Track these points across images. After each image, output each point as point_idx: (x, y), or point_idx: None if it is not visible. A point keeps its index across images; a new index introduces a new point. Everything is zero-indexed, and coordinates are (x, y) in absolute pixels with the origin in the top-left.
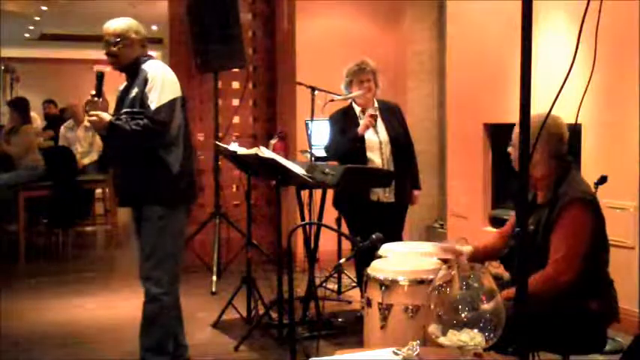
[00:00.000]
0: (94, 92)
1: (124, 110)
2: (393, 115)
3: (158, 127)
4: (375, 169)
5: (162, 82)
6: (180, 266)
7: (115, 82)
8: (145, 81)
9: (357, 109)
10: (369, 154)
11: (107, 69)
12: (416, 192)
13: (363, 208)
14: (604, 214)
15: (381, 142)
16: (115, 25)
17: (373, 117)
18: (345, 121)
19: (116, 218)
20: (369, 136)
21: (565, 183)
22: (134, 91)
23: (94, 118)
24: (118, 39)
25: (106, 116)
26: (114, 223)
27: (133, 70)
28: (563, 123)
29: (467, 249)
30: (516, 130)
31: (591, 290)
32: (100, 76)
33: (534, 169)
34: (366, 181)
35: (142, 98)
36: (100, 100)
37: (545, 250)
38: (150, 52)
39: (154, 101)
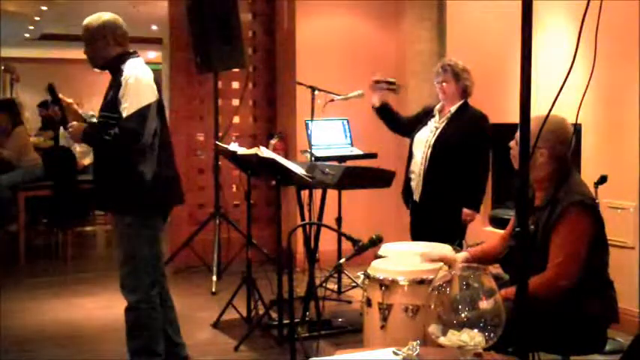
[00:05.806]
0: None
1: (101, 114)
2: (463, 122)
3: (129, 137)
4: (375, 169)
5: (135, 88)
6: (159, 271)
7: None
8: (120, 85)
9: (437, 107)
10: (414, 150)
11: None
12: (466, 210)
13: (411, 206)
14: (604, 215)
15: (427, 142)
16: (87, 23)
17: (378, 84)
18: (421, 115)
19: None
20: (420, 134)
21: (565, 185)
22: (111, 94)
23: (71, 130)
24: (91, 38)
25: (81, 125)
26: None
27: (113, 69)
28: (569, 126)
29: (461, 256)
30: None
31: (591, 291)
32: (50, 88)
33: (535, 170)
34: (367, 181)
35: (116, 103)
36: (57, 108)
37: (544, 252)
38: (150, 52)
39: (125, 109)
